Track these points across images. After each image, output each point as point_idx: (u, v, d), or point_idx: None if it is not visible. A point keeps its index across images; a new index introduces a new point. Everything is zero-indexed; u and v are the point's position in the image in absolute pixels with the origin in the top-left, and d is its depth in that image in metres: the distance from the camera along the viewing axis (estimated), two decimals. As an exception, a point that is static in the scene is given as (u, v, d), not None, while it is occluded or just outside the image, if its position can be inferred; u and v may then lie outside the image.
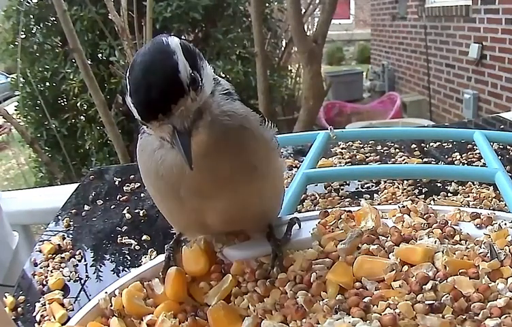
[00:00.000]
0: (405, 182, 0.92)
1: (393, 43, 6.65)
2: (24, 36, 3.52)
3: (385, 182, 0.94)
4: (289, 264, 0.53)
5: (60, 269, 0.76)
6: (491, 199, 0.83)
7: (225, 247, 0.56)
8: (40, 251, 0.82)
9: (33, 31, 3.66)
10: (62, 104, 3.66)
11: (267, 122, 0.54)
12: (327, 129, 1.02)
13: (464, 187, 0.89)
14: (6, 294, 0.70)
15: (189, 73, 0.43)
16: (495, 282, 0.47)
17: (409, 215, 0.60)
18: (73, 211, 0.96)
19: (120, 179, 1.09)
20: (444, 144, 1.12)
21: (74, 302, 0.67)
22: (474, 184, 0.89)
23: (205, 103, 0.46)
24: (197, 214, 0.52)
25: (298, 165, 0.98)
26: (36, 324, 0.64)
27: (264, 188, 0.53)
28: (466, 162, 1.01)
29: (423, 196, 0.87)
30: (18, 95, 3.79)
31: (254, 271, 0.53)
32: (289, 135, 1.12)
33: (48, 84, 3.55)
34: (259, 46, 2.75)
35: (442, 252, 0.50)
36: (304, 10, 3.78)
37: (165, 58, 0.43)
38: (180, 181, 0.48)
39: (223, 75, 3.55)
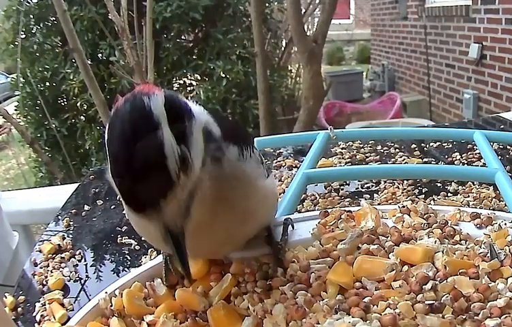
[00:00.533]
0: (405, 182, 0.92)
1: (393, 43, 6.65)
2: (24, 36, 3.52)
3: (385, 182, 0.94)
4: (288, 264, 0.53)
5: (60, 269, 0.76)
6: (491, 199, 0.83)
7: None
8: (40, 251, 0.82)
9: (33, 31, 3.66)
10: (62, 104, 3.67)
11: (247, 149, 0.48)
12: (327, 129, 1.02)
13: (463, 187, 0.89)
14: (6, 294, 0.70)
15: (177, 153, 0.37)
16: (495, 282, 0.47)
17: (409, 215, 0.60)
18: (73, 211, 0.96)
19: (120, 179, 1.08)
20: (444, 144, 1.12)
21: (74, 302, 0.67)
22: (474, 184, 0.89)
23: (197, 180, 0.39)
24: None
25: (298, 165, 0.98)
26: (36, 324, 0.64)
27: (257, 214, 0.51)
28: (466, 162, 1.01)
29: (423, 196, 0.87)
30: (18, 95, 3.80)
31: (255, 272, 0.53)
32: (289, 135, 1.12)
33: (47, 84, 3.56)
34: (259, 46, 2.75)
35: (442, 252, 0.50)
36: (304, 10, 3.78)
37: (148, 137, 0.36)
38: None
39: (223, 75, 3.55)
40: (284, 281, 0.51)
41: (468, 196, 0.86)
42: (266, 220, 0.56)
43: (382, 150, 1.12)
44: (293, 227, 0.59)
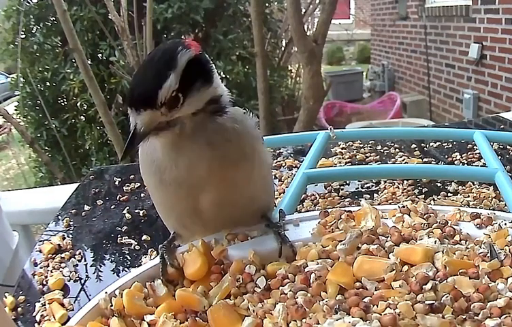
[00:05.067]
0: (405, 182, 0.92)
1: (393, 43, 6.65)
2: (24, 36, 3.52)
3: (385, 182, 0.94)
4: (290, 260, 0.54)
5: (60, 269, 0.76)
6: (491, 199, 0.83)
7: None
8: (40, 251, 0.82)
9: (33, 31, 3.66)
10: (62, 104, 3.67)
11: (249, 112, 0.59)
12: (327, 129, 1.02)
13: (463, 187, 0.89)
14: (6, 294, 0.70)
15: (171, 93, 0.49)
16: (495, 282, 0.47)
17: (409, 215, 0.60)
18: (73, 211, 0.96)
19: (120, 179, 1.09)
20: (444, 144, 1.12)
21: (74, 302, 0.67)
22: (474, 184, 0.89)
23: (181, 117, 0.51)
24: (191, 200, 0.55)
25: (298, 165, 0.98)
26: (36, 324, 0.64)
27: (251, 172, 0.57)
28: (466, 162, 1.01)
29: (423, 196, 0.87)
30: (18, 95, 3.79)
31: (251, 276, 0.53)
32: (289, 135, 1.12)
33: (48, 84, 3.56)
34: (259, 46, 2.75)
35: (442, 252, 0.50)
36: (304, 10, 3.78)
37: (160, 70, 0.49)
38: (176, 173, 0.53)
39: (224, 76, 3.55)
40: (283, 281, 0.51)
41: (468, 196, 0.86)
42: (258, 193, 0.60)
43: (382, 150, 1.12)
44: (284, 219, 0.62)
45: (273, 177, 0.72)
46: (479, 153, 0.96)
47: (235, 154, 0.54)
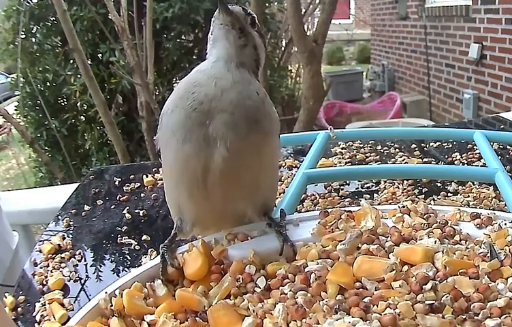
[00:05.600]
0: (405, 182, 0.92)
1: (393, 43, 6.66)
2: (24, 36, 3.52)
3: (385, 182, 0.94)
4: (290, 260, 0.54)
5: (60, 269, 0.76)
6: (491, 199, 0.83)
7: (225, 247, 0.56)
8: (40, 251, 0.82)
9: (33, 31, 3.65)
10: (63, 104, 3.66)
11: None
12: (327, 129, 1.02)
13: (463, 187, 0.89)
14: (6, 294, 0.70)
15: (253, 15, 0.62)
16: (495, 282, 0.47)
17: (409, 215, 0.60)
18: (73, 211, 0.96)
19: (120, 179, 1.09)
20: (444, 144, 1.12)
21: (74, 302, 0.67)
22: (474, 184, 0.89)
23: (248, 37, 0.61)
24: (204, 157, 0.56)
25: (298, 165, 0.98)
26: (36, 324, 0.64)
27: (266, 149, 0.59)
28: (466, 162, 1.01)
29: (423, 196, 0.87)
30: (18, 95, 3.79)
31: (251, 276, 0.53)
32: (289, 135, 1.12)
33: (48, 84, 3.55)
34: (259, 46, 2.74)
35: (442, 252, 0.50)
36: (304, 10, 3.78)
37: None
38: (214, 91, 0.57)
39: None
40: (283, 281, 0.51)
41: (468, 196, 0.86)
42: (268, 186, 0.63)
43: (382, 150, 1.12)
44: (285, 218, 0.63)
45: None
46: (479, 153, 0.96)
47: (258, 115, 0.58)
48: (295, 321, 0.46)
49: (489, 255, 0.50)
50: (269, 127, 0.60)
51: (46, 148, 3.59)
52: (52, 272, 0.75)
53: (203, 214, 0.61)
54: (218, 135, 0.55)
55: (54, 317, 0.63)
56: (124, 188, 1.03)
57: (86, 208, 0.97)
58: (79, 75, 3.12)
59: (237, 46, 0.60)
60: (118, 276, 0.74)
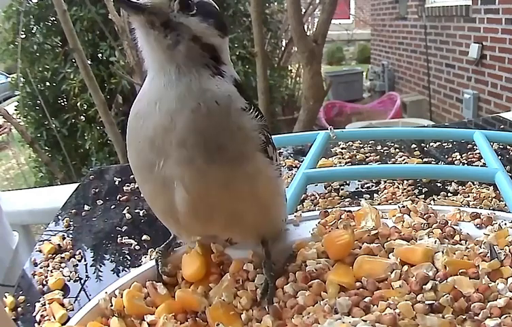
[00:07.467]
0: (405, 182, 0.92)
1: (393, 43, 6.65)
2: (24, 36, 3.52)
3: (385, 182, 0.94)
4: (291, 263, 0.53)
5: (60, 269, 0.76)
6: (491, 199, 0.83)
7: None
8: (40, 251, 0.82)
9: (33, 31, 3.66)
10: (62, 104, 3.67)
11: (252, 109, 0.50)
12: (327, 129, 1.02)
13: (463, 187, 0.89)
14: (6, 294, 0.70)
15: (178, 3, 0.46)
16: (495, 282, 0.47)
17: (409, 215, 0.60)
18: (73, 211, 0.96)
19: (120, 179, 1.08)
20: (444, 144, 1.12)
21: (74, 302, 0.67)
22: (474, 184, 0.89)
23: (182, 30, 0.46)
24: (167, 199, 0.48)
25: (298, 165, 0.98)
26: (36, 324, 0.64)
27: (234, 181, 0.47)
28: (466, 162, 1.01)
29: (423, 196, 0.87)
30: (18, 95, 3.79)
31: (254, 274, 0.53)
32: (289, 135, 1.12)
33: (48, 84, 3.55)
34: (259, 46, 2.75)
35: (442, 252, 0.50)
36: (304, 10, 3.78)
37: None
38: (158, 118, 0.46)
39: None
40: (284, 281, 0.51)
41: (468, 196, 0.85)
42: (255, 215, 0.51)
43: (382, 150, 1.12)
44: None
45: (284, 195, 0.60)
46: (479, 153, 0.96)
47: (220, 137, 0.46)
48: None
49: (489, 255, 0.50)
50: (242, 148, 0.47)
51: (46, 148, 3.60)
52: (52, 272, 0.75)
53: (185, 233, 0.55)
54: (174, 176, 0.46)
55: (54, 317, 0.63)
56: (124, 188, 1.03)
57: (86, 208, 0.97)
58: (78, 72, 3.12)
59: (165, 48, 0.46)
60: (118, 276, 0.74)
